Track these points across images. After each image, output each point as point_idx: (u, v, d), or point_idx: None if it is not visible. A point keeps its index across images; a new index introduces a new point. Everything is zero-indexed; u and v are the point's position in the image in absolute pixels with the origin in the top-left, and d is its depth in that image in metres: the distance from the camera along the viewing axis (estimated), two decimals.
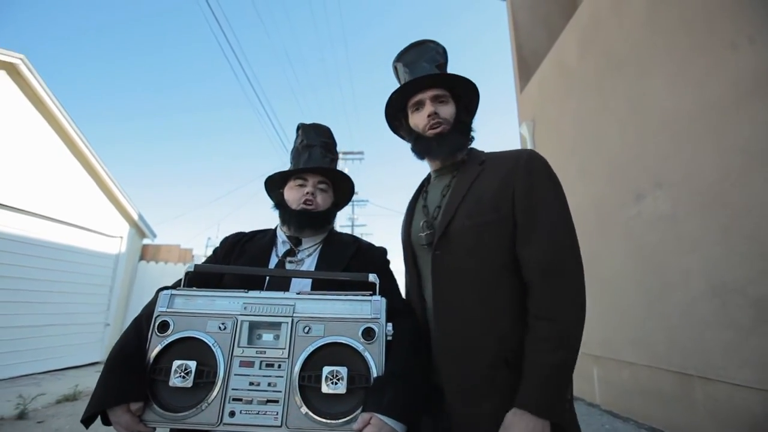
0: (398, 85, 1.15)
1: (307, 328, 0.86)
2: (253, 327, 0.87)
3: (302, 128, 1.27)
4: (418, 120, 1.08)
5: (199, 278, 1.03)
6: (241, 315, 0.87)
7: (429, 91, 1.06)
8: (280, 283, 1.03)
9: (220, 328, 0.86)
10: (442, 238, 0.96)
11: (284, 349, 0.84)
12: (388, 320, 0.89)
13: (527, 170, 0.94)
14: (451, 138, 1.05)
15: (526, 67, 6.20)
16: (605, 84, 3.93)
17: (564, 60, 4.86)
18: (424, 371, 0.93)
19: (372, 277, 0.96)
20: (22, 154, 5.22)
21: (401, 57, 1.16)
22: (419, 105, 1.08)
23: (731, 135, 2.51)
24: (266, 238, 1.20)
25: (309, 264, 1.12)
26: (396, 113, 1.16)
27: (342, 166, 16.33)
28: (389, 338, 0.87)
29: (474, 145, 1.14)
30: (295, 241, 1.16)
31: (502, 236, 0.92)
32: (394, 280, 1.15)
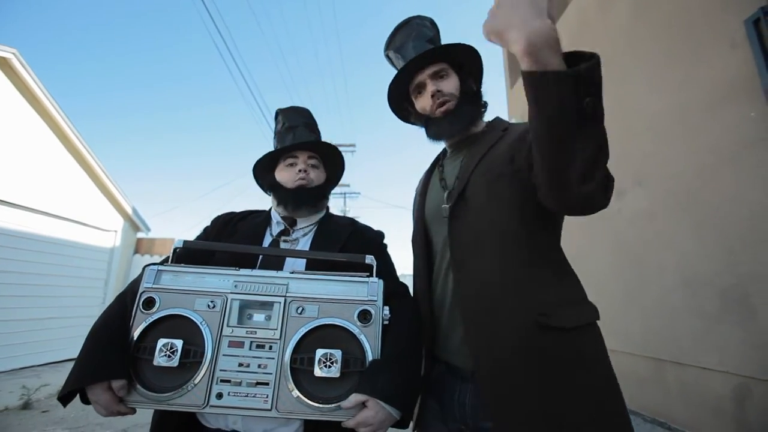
0: (394, 71, 1.09)
1: (300, 309, 0.83)
2: (244, 306, 0.83)
3: (282, 112, 1.24)
4: (423, 103, 1.03)
5: (188, 256, 0.99)
6: (231, 293, 0.83)
7: (426, 69, 1.00)
8: (274, 262, 1.00)
9: (209, 306, 0.82)
10: (459, 202, 0.91)
11: (276, 329, 0.81)
12: (384, 303, 0.86)
13: None
14: (462, 112, 0.99)
15: (516, 64, 6.30)
16: None
17: None
18: (420, 356, 0.91)
19: (369, 259, 0.92)
20: (16, 149, 5.22)
21: (390, 44, 1.11)
22: (421, 87, 1.02)
23: (704, 136, 2.68)
24: (260, 218, 1.17)
25: (303, 244, 1.09)
26: (401, 103, 1.11)
27: None
28: (386, 322, 0.84)
29: None
30: (290, 221, 1.13)
31: (517, 186, 0.85)
32: (391, 264, 1.13)
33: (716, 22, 2.59)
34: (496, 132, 0.99)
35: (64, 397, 0.76)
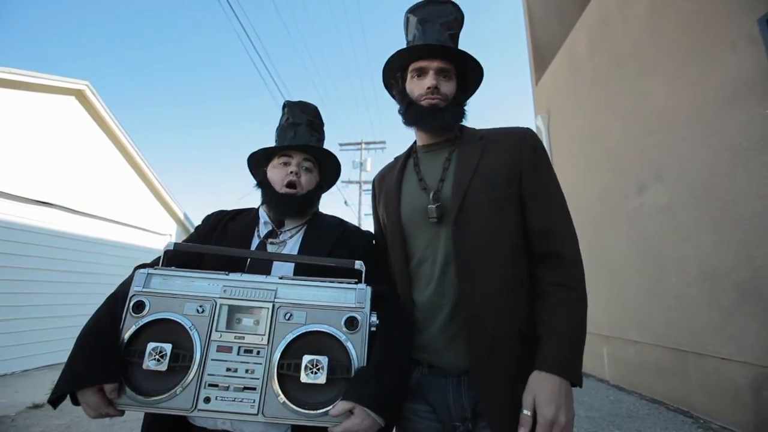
0: (404, 35, 1.11)
1: (288, 315, 0.83)
2: (233, 311, 0.84)
3: (288, 106, 1.21)
4: (415, 87, 1.03)
5: (179, 257, 1.00)
6: (220, 298, 0.84)
7: (436, 61, 1.01)
8: (261, 265, 1.00)
9: (198, 310, 0.83)
10: (460, 212, 0.93)
11: (264, 335, 0.82)
12: (373, 308, 0.86)
13: (533, 148, 0.97)
14: (445, 114, 1.00)
15: (541, 59, 6.32)
16: (612, 81, 4.11)
17: (576, 54, 5.02)
18: (408, 362, 0.91)
19: (358, 265, 0.92)
20: (88, 165, 6.02)
21: (416, 9, 1.08)
22: (422, 72, 1.02)
23: (719, 133, 2.74)
24: (249, 217, 1.15)
25: (291, 246, 1.07)
26: (394, 72, 1.10)
27: (365, 155, 16.16)
28: (373, 328, 0.85)
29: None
30: (278, 223, 1.11)
31: (513, 211, 0.93)
32: (382, 266, 1.10)
33: (731, 21, 2.64)
34: (473, 140, 1.03)
35: (55, 400, 0.77)
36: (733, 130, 2.63)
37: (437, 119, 1.01)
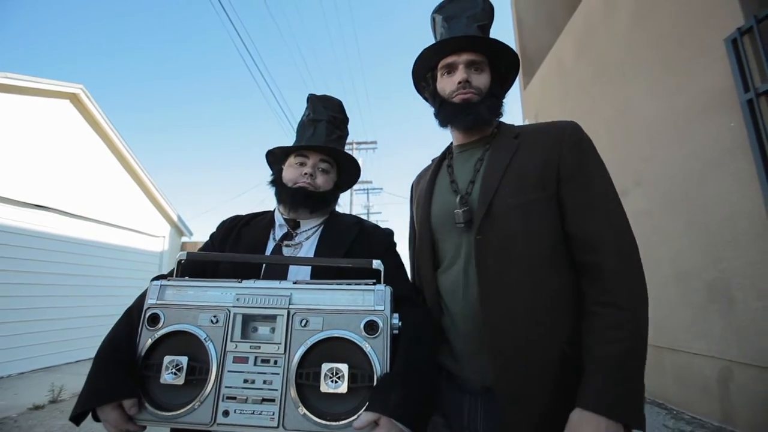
0: (432, 40, 1.04)
1: (304, 321, 0.79)
2: (247, 320, 0.81)
3: (311, 100, 1.18)
4: (446, 84, 0.97)
5: (195, 266, 0.98)
6: (233, 307, 0.81)
7: (464, 54, 0.94)
8: (277, 270, 0.97)
9: (212, 321, 0.81)
10: (485, 218, 0.85)
11: (280, 344, 0.78)
12: (395, 310, 0.81)
13: (574, 143, 0.86)
14: (480, 109, 0.93)
15: (529, 64, 6.47)
16: (596, 88, 4.29)
17: (562, 61, 5.19)
18: (434, 368, 0.85)
19: (376, 264, 0.86)
20: (82, 169, 6.05)
21: (442, 8, 1.03)
22: (451, 68, 0.96)
23: (693, 143, 2.92)
24: (264, 221, 1.11)
25: (308, 248, 1.03)
26: (424, 73, 1.05)
27: (356, 155, 16.68)
28: (395, 331, 0.79)
29: None
30: (293, 224, 1.07)
31: (550, 216, 0.84)
32: (402, 264, 1.05)
33: (703, 37, 2.81)
34: (508, 138, 0.95)
35: (77, 417, 0.76)
36: (704, 140, 2.81)
37: (471, 114, 0.94)
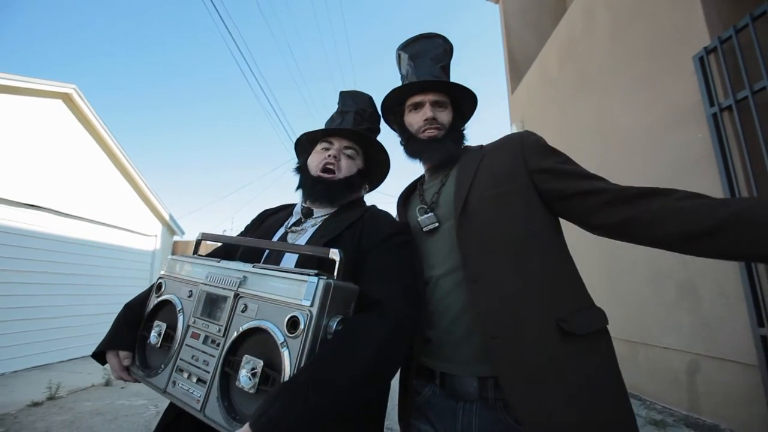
0: (398, 72, 1.17)
1: (243, 307, 0.75)
2: (209, 297, 0.81)
3: (341, 95, 1.23)
4: (413, 120, 1.07)
5: (224, 251, 1.11)
6: (203, 284, 0.83)
7: (430, 94, 1.06)
8: (272, 256, 0.97)
9: (188, 294, 0.85)
10: (462, 214, 0.91)
11: (222, 326, 0.76)
12: (355, 311, 0.75)
13: (533, 141, 0.98)
14: (445, 143, 1.04)
15: (516, 70, 6.67)
16: (578, 97, 4.50)
17: (547, 69, 5.40)
18: (362, 391, 0.69)
19: (333, 253, 0.77)
20: (75, 168, 6.05)
21: (407, 46, 1.14)
22: (418, 105, 1.07)
23: (664, 153, 3.13)
24: (287, 210, 1.16)
25: (308, 235, 1.01)
26: (393, 107, 1.15)
27: None
28: (329, 336, 0.69)
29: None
30: (306, 212, 1.08)
31: (523, 203, 0.91)
32: (399, 264, 0.90)
33: (674, 54, 3.03)
34: (474, 153, 1.04)
35: (97, 357, 0.91)
36: (676, 150, 3.02)
37: (438, 150, 1.04)
